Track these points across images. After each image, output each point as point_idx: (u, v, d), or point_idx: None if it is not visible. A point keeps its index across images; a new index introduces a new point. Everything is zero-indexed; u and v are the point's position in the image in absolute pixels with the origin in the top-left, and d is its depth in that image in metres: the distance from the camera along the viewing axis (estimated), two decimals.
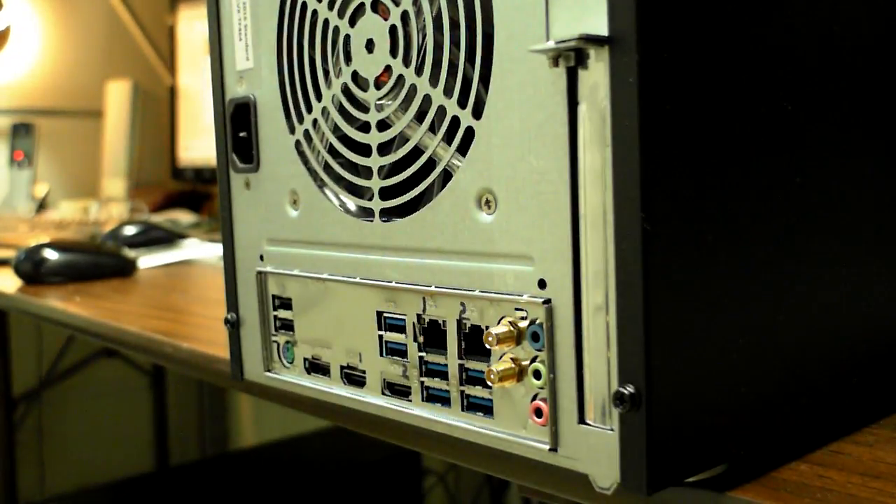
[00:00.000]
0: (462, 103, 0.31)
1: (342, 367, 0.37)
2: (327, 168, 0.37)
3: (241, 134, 0.41)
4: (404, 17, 0.32)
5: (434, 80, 0.31)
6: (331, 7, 0.35)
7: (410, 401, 0.34)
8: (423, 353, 0.33)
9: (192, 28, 1.57)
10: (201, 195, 1.61)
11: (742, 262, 0.29)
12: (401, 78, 0.33)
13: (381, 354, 0.35)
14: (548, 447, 0.29)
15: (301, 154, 0.38)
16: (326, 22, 0.36)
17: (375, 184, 0.35)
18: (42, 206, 1.56)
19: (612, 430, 0.27)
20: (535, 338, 0.29)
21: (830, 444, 0.31)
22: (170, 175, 1.63)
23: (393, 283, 0.34)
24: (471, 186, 0.31)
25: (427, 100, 0.32)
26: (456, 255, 0.31)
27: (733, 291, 0.28)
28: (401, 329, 0.34)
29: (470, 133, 0.30)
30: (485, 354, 0.31)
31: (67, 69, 1.69)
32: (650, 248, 0.25)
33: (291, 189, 0.38)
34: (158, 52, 1.72)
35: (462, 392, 0.32)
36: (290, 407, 0.45)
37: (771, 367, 0.30)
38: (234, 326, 0.42)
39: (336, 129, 0.36)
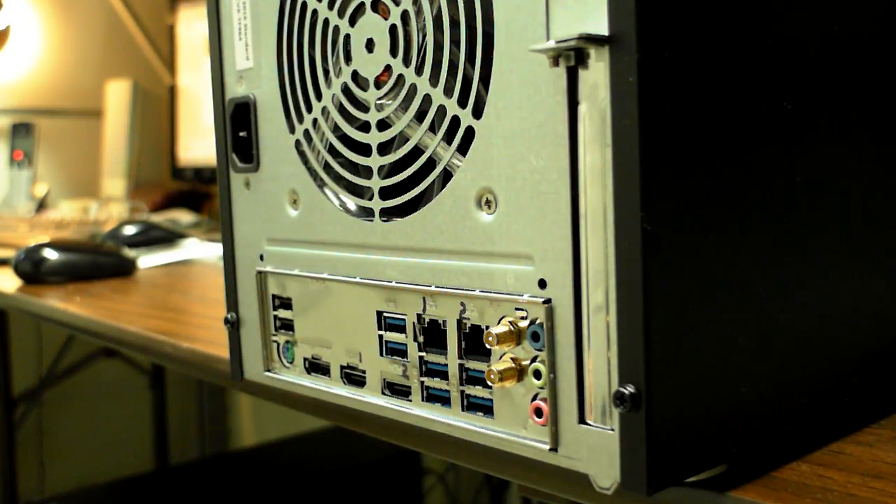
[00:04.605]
0: (462, 103, 0.31)
1: (342, 367, 0.37)
2: (327, 168, 0.37)
3: (241, 134, 0.41)
4: (404, 16, 0.32)
5: (434, 80, 0.31)
6: (331, 6, 0.35)
7: (410, 401, 0.34)
8: (423, 353, 0.33)
9: (192, 28, 1.57)
10: (201, 195, 1.61)
11: (742, 262, 0.29)
12: (401, 77, 0.33)
13: (381, 354, 0.35)
14: (548, 447, 0.29)
15: (301, 154, 0.38)
16: (326, 21, 0.36)
17: (375, 183, 0.35)
18: (42, 205, 1.56)
19: (612, 430, 0.27)
20: (535, 338, 0.29)
21: (831, 444, 0.31)
22: (170, 175, 1.63)
23: (393, 283, 0.34)
24: (471, 186, 0.30)
25: (427, 99, 0.32)
26: (456, 254, 0.31)
27: (733, 291, 0.28)
28: (401, 329, 0.34)
29: (470, 133, 0.30)
30: (485, 354, 0.31)
31: (67, 69, 1.69)
32: (650, 248, 0.25)
33: (291, 189, 0.38)
34: (158, 52, 1.72)
35: (462, 392, 0.32)
36: (290, 407, 0.45)
37: (771, 367, 0.30)
38: (234, 326, 0.42)
39: (336, 129, 0.36)
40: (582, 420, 0.28)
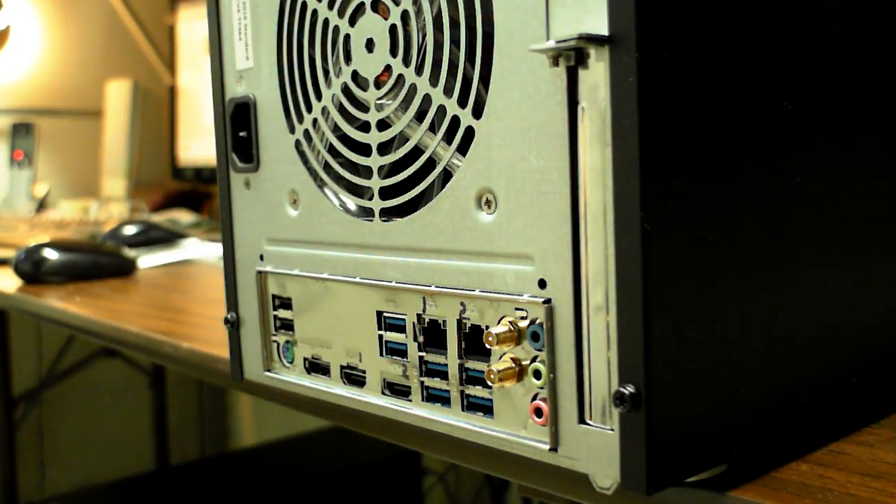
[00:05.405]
0: (462, 103, 0.31)
1: (342, 367, 0.37)
2: (327, 168, 0.37)
3: (241, 134, 0.41)
4: (404, 16, 0.32)
5: (434, 80, 0.31)
6: (331, 6, 0.35)
7: (410, 401, 0.34)
8: (423, 353, 0.33)
9: (192, 28, 1.57)
10: (201, 195, 1.61)
11: (742, 262, 0.29)
12: (401, 77, 0.33)
13: (381, 354, 0.35)
14: (548, 447, 0.29)
15: (301, 154, 0.38)
16: (326, 21, 0.36)
17: (375, 183, 0.35)
18: (42, 205, 1.56)
19: (612, 430, 0.27)
20: (535, 338, 0.29)
21: (830, 444, 0.31)
22: (170, 175, 1.63)
23: (393, 283, 0.34)
24: (471, 186, 0.30)
25: (427, 99, 0.32)
26: (456, 254, 0.31)
27: (733, 291, 0.28)
28: (401, 329, 0.34)
29: (470, 132, 0.30)
30: (485, 354, 0.31)
31: (67, 69, 1.69)
32: (650, 248, 0.25)
33: (291, 189, 0.38)
34: (158, 52, 1.72)
35: (462, 392, 0.32)
36: (290, 407, 0.45)
37: (771, 367, 0.30)
38: (234, 326, 0.42)
39: (336, 129, 0.36)
40: (582, 420, 0.28)
